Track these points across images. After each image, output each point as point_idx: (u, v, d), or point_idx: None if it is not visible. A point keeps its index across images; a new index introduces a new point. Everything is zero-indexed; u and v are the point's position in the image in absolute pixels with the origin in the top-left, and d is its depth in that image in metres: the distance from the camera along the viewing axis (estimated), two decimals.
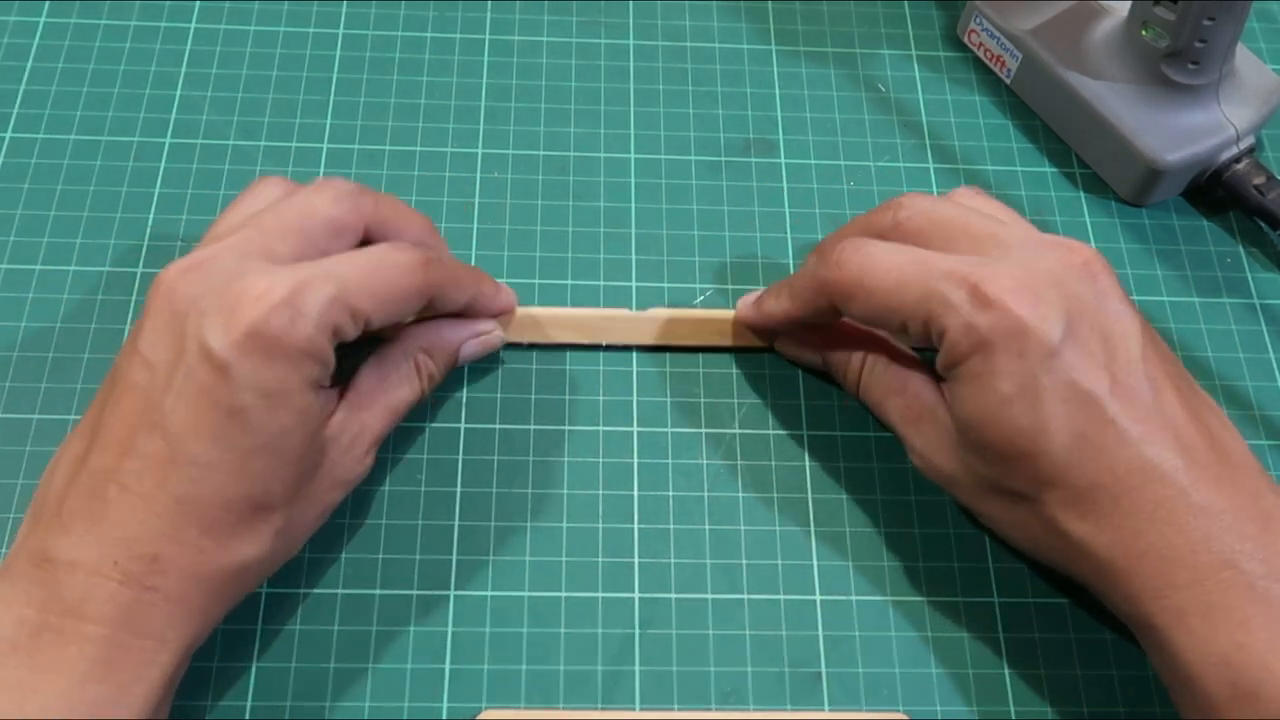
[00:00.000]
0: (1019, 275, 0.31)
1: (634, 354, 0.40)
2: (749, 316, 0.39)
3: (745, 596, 0.36)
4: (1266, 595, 0.28)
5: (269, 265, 0.30)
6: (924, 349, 0.34)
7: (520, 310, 0.39)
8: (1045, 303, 0.31)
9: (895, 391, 0.35)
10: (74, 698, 0.27)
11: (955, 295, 0.31)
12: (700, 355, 0.40)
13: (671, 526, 0.37)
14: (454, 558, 0.36)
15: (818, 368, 0.39)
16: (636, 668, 0.35)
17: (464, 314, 0.37)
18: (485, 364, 0.39)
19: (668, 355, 0.40)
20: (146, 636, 0.28)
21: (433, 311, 0.35)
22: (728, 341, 0.39)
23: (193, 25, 0.46)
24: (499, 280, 0.38)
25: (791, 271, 0.42)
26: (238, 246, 0.31)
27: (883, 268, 0.33)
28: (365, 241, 0.33)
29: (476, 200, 0.43)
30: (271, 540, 0.31)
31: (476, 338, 0.37)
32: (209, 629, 0.30)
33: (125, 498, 0.28)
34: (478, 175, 0.43)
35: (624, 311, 0.40)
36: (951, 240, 0.33)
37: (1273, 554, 0.29)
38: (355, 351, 0.35)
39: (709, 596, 0.36)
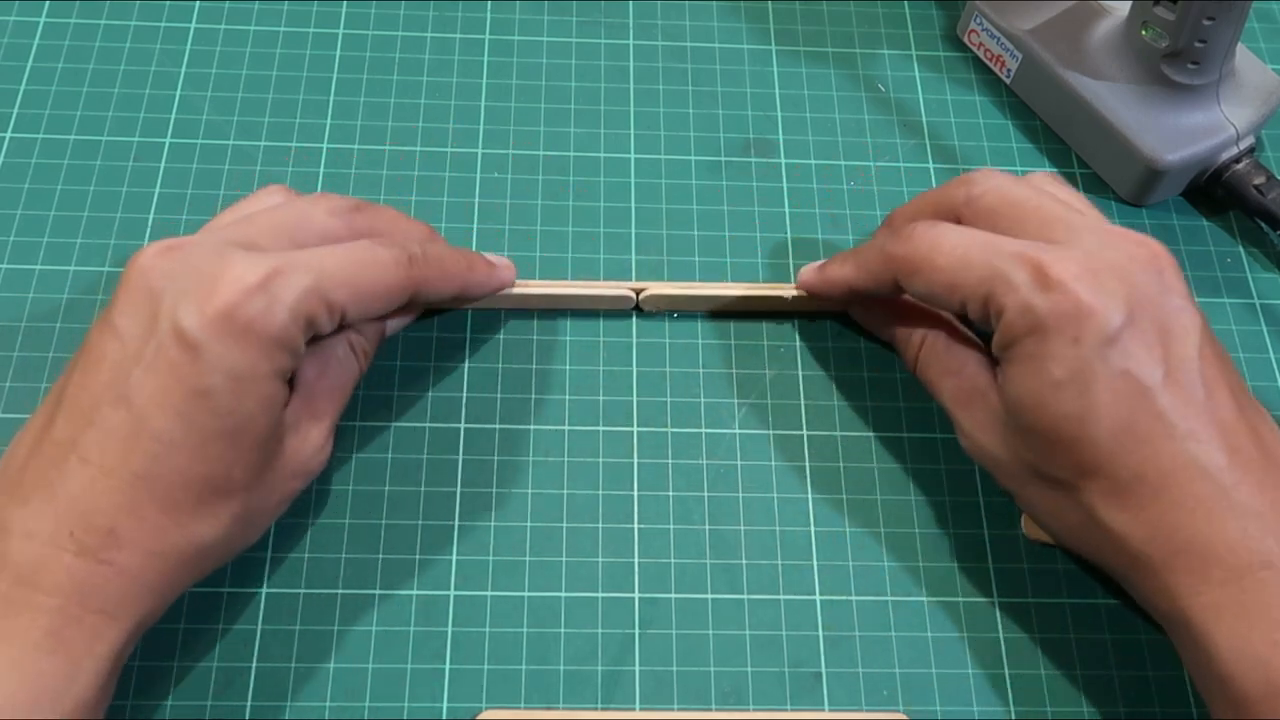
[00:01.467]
0: (1084, 261, 0.31)
1: (634, 354, 0.40)
2: (812, 282, 0.39)
3: (745, 596, 0.36)
4: None
5: (248, 254, 0.30)
6: (984, 332, 0.34)
7: (519, 285, 0.39)
8: (1107, 290, 0.31)
9: (951, 372, 0.35)
10: (24, 668, 0.27)
11: (1018, 276, 0.31)
12: (701, 357, 0.40)
13: (671, 526, 0.37)
14: (454, 558, 0.36)
15: (883, 338, 0.39)
16: (636, 668, 0.35)
17: (453, 302, 0.37)
18: (486, 364, 0.39)
19: (667, 355, 0.40)
20: (99, 611, 0.28)
21: (417, 305, 0.35)
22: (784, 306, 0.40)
23: (193, 25, 0.46)
24: (503, 255, 0.39)
25: (792, 272, 0.42)
26: (222, 236, 0.31)
27: (950, 244, 0.33)
28: None
29: (476, 200, 0.43)
30: (230, 524, 0.30)
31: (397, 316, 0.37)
32: (161, 609, 0.30)
33: (85, 469, 0.28)
34: (478, 175, 0.43)
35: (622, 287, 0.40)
36: (1022, 222, 0.33)
37: None
38: None
39: (709, 596, 0.36)
